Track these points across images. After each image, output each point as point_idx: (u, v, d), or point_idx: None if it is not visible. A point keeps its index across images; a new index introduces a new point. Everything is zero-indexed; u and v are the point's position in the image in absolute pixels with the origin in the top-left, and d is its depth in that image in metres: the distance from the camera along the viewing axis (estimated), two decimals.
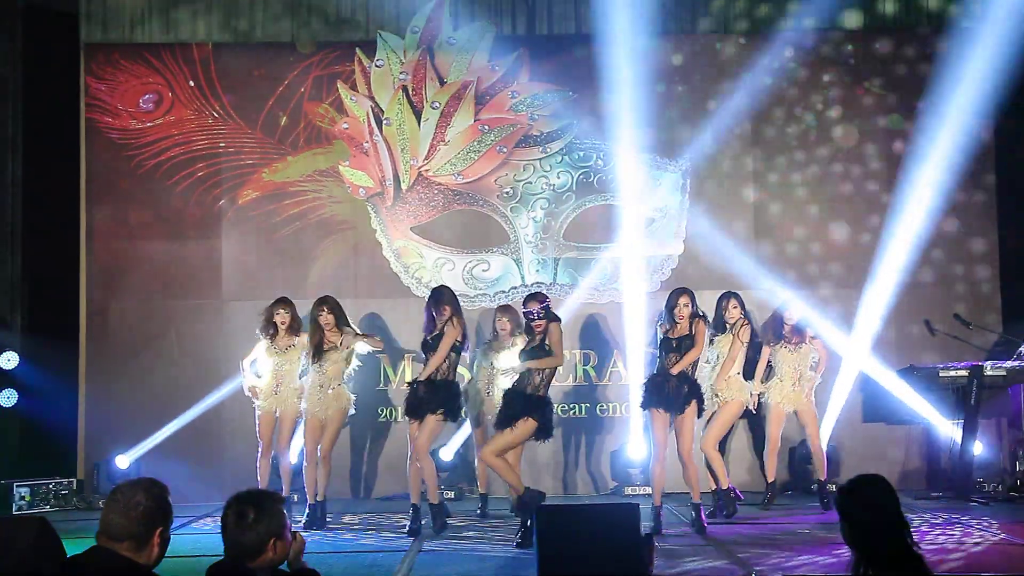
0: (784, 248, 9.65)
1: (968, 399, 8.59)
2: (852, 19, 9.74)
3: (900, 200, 9.58)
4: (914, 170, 9.60)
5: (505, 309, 8.09)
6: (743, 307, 8.13)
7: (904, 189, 9.60)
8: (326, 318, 7.63)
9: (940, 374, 8.70)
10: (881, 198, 9.65)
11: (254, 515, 3.03)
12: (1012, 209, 9.61)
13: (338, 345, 7.64)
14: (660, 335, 7.38)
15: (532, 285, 9.48)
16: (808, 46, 9.72)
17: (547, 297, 7.12)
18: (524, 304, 7.03)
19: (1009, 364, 8.66)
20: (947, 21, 9.67)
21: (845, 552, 3.22)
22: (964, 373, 8.63)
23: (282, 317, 7.86)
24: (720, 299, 8.17)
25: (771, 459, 8.35)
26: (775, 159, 9.73)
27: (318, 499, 7.68)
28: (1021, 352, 8.71)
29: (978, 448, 8.70)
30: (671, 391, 7.20)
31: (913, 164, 9.64)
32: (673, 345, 7.25)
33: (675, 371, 7.19)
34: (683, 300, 7.24)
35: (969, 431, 8.59)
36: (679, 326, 7.26)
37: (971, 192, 9.65)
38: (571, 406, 9.44)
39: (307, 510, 7.68)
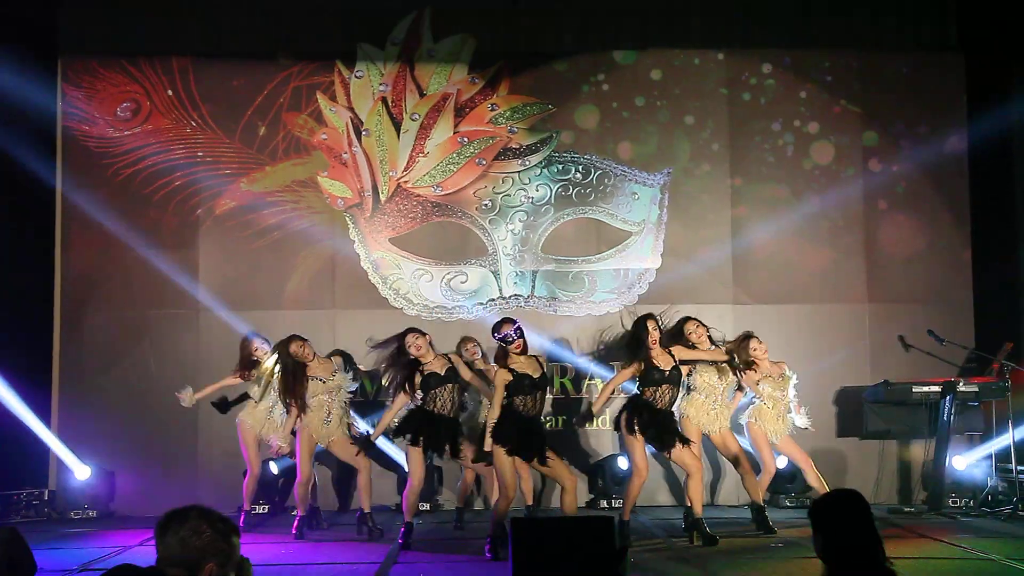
0: (760, 263, 9.70)
1: (941, 415, 8.67)
2: (829, 37, 9.82)
3: (876, 216, 9.71)
4: (890, 187, 9.74)
5: (470, 338, 8.26)
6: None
7: (880, 206, 9.73)
8: (304, 352, 7.70)
9: (913, 390, 8.77)
10: (857, 214, 9.72)
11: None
12: (985, 225, 9.70)
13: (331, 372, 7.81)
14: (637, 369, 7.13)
15: (510, 297, 9.53)
16: (786, 63, 9.81)
17: (516, 319, 6.92)
18: (497, 330, 6.76)
19: (982, 380, 8.74)
20: (923, 40, 9.81)
21: (817, 566, 3.23)
22: (937, 389, 8.71)
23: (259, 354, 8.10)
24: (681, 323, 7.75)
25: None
26: (752, 174, 9.78)
27: (364, 510, 7.81)
28: (993, 368, 8.79)
29: (958, 464, 8.76)
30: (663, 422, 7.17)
31: (888, 181, 9.76)
32: (666, 375, 7.10)
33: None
34: (651, 324, 7.09)
35: (942, 447, 8.66)
36: (654, 352, 7.09)
37: (945, 208, 9.74)
38: (548, 419, 9.41)
39: (297, 521, 7.73)
